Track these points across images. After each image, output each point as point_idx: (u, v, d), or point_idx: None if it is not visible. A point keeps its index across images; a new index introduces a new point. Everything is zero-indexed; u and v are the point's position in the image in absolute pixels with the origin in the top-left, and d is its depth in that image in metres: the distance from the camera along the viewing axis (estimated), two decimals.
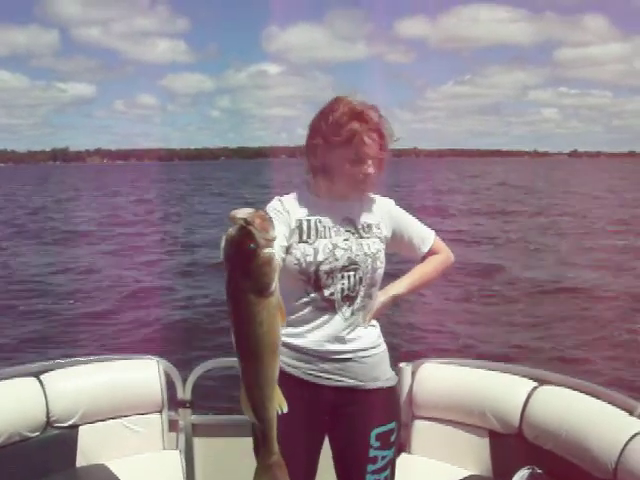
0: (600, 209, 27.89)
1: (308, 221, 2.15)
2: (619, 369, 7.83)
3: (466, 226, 21.93)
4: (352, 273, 2.12)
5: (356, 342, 2.15)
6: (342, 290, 2.11)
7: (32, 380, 2.99)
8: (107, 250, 18.23)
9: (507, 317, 10.33)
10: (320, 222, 2.16)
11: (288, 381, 2.11)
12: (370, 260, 2.14)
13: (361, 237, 2.18)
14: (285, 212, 2.15)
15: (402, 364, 3.17)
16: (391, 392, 2.26)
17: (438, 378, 3.12)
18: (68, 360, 3.21)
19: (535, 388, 2.88)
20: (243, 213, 1.53)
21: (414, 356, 3.29)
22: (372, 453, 2.16)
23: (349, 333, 2.14)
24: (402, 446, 3.11)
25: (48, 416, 2.94)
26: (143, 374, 3.19)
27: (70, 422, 2.99)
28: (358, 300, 2.14)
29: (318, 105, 2.21)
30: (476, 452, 2.95)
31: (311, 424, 2.17)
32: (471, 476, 2.90)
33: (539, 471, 2.64)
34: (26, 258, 17.06)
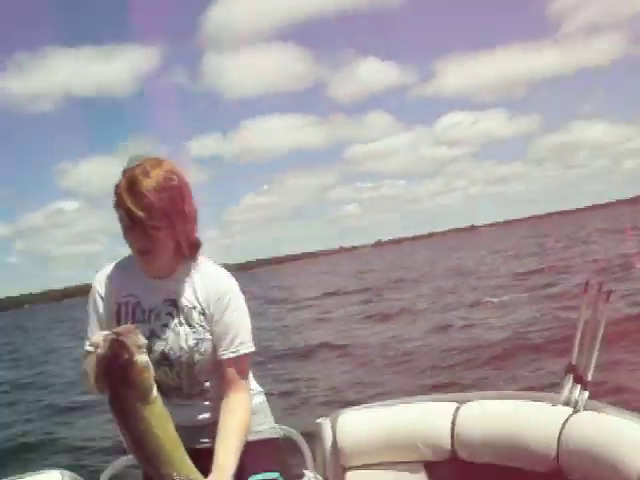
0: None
1: (126, 304, 1.99)
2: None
3: None
4: (166, 368, 1.97)
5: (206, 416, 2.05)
6: (162, 382, 1.92)
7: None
8: None
9: None
10: (139, 304, 1.99)
11: None
12: (186, 355, 1.96)
13: (180, 324, 1.98)
14: (107, 294, 2.01)
15: (319, 419, 3.07)
16: (271, 442, 2.15)
17: (359, 425, 3.03)
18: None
19: (458, 408, 2.89)
20: (102, 335, 1.66)
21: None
22: None
23: (195, 416, 2.04)
24: None
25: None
26: None
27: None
28: (184, 391, 2.01)
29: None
30: None
31: None
32: None
33: None
34: None
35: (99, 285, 2.03)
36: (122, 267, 2.06)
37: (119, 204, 1.86)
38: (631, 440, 2.27)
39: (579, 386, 2.67)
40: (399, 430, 2.93)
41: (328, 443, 3.00)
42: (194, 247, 2.01)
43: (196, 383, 2.01)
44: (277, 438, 2.19)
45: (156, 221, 1.85)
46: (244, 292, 2.06)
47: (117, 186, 1.88)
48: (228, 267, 2.04)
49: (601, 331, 2.66)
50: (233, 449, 1.89)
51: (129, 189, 1.84)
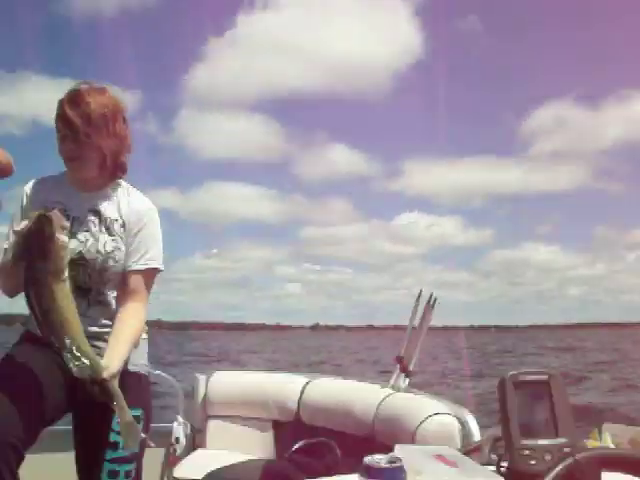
0: None
1: (53, 208, 1.98)
2: None
3: None
4: (80, 268, 2.05)
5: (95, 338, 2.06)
6: (73, 282, 1.98)
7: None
8: None
9: None
10: (65, 211, 2.04)
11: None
12: (101, 259, 2.06)
13: (101, 232, 2.10)
14: (36, 197, 2.12)
15: (197, 374, 3.70)
16: (142, 378, 2.18)
17: (227, 382, 3.69)
18: None
19: (308, 382, 3.52)
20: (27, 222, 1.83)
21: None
22: (113, 437, 2.00)
23: (88, 326, 2.01)
24: (199, 444, 3.57)
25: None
26: None
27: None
28: (92, 295, 2.09)
29: None
30: (261, 440, 3.49)
31: (64, 387, 2.04)
32: (253, 459, 3.30)
33: (313, 440, 3.18)
34: None
35: (29, 189, 2.16)
36: (54, 179, 2.20)
37: (58, 114, 2.04)
38: (419, 410, 2.79)
39: (403, 374, 3.26)
40: (257, 392, 3.56)
41: (200, 394, 3.62)
42: (119, 168, 2.17)
43: (102, 292, 2.10)
44: (149, 378, 2.25)
45: (90, 128, 2.01)
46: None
47: (60, 100, 2.06)
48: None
49: (424, 332, 3.28)
50: (128, 339, 2.01)
51: (70, 100, 2.03)
